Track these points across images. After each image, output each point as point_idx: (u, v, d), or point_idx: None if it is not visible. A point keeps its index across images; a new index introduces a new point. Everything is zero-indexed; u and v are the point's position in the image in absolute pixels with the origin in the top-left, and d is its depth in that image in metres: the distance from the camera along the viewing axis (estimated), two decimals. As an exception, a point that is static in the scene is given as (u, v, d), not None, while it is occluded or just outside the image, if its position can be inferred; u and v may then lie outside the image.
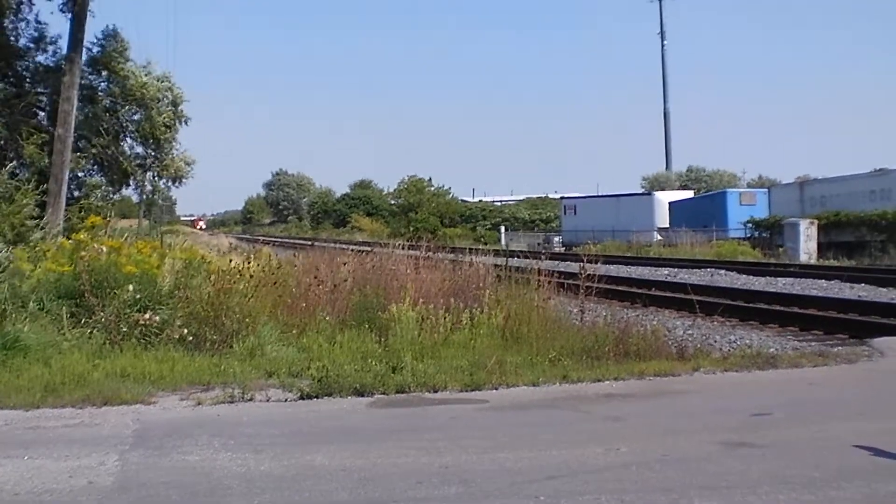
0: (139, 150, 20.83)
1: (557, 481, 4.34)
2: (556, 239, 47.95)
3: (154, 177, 21.31)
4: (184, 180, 21.47)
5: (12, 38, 18.93)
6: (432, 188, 64.21)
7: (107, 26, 20.64)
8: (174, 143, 20.59)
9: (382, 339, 8.27)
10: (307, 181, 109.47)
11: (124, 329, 7.82)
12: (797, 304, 13.20)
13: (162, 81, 20.20)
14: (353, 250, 13.30)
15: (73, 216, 16.79)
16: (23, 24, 19.23)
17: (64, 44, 17.30)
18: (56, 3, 17.96)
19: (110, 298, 8.08)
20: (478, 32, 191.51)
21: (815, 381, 7.14)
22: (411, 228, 49.86)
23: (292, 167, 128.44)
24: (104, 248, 8.72)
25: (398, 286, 9.30)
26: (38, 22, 19.36)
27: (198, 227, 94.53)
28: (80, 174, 20.11)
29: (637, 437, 5.24)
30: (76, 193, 19.44)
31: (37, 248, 9.98)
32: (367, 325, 8.70)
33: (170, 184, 21.81)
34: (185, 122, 20.60)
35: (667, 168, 69.38)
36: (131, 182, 21.19)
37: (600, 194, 58.03)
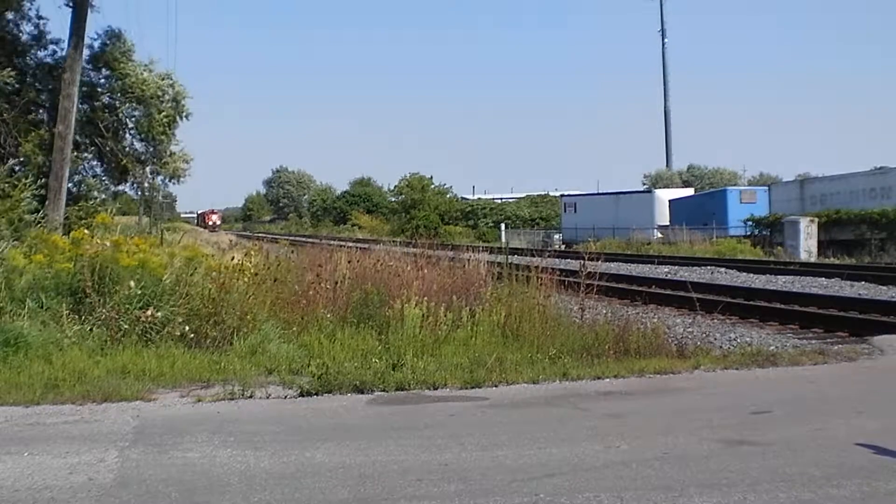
0: (139, 146, 20.79)
1: (557, 479, 4.35)
2: (557, 236, 47.91)
3: (152, 174, 21.24)
4: (182, 179, 21.40)
5: (14, 35, 18.92)
6: (434, 186, 64.15)
7: (110, 27, 20.61)
8: (173, 141, 20.52)
9: (382, 337, 8.27)
10: (307, 178, 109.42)
11: (125, 326, 7.81)
12: (797, 301, 13.19)
13: (164, 79, 20.14)
14: (350, 248, 13.30)
15: (73, 215, 16.79)
16: (24, 21, 19.21)
17: (65, 42, 17.29)
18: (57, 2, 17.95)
19: (111, 295, 8.08)
20: (477, 30, 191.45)
21: (815, 378, 7.14)
22: (412, 226, 49.83)
23: (293, 164, 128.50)
24: (108, 244, 8.70)
25: (399, 284, 9.30)
26: (38, 17, 19.34)
27: (209, 222, 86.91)
28: (79, 171, 20.09)
29: (637, 435, 5.24)
30: (74, 190, 19.42)
31: (35, 243, 9.96)
32: (367, 323, 8.70)
33: (168, 181, 21.71)
34: (186, 118, 20.54)
35: (667, 166, 69.35)
36: (129, 179, 21.14)
37: (600, 192, 57.98)
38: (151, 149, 20.40)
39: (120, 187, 21.42)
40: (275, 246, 16.55)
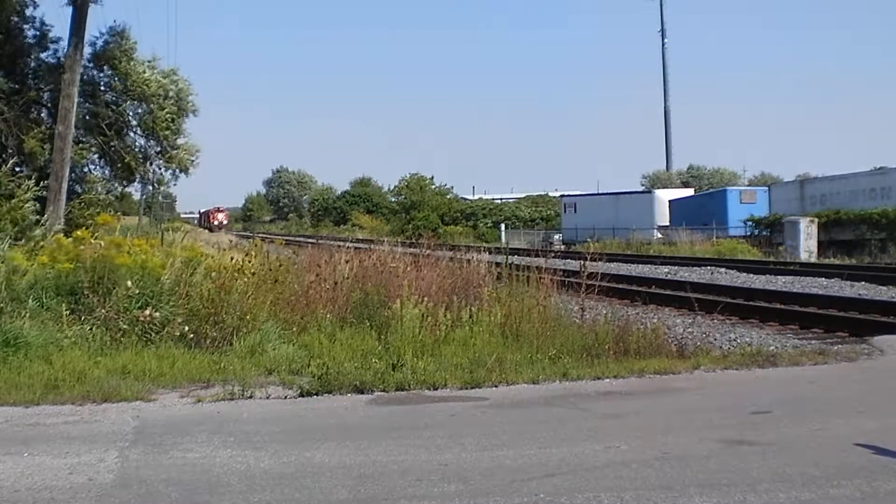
0: (142, 142, 20.80)
1: (557, 479, 4.35)
2: (557, 237, 47.91)
3: (159, 168, 21.20)
4: (189, 170, 21.33)
5: (16, 36, 18.95)
6: (434, 187, 64.14)
7: (114, 21, 20.71)
8: (179, 134, 20.51)
9: (382, 337, 8.27)
10: (308, 178, 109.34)
11: (124, 326, 7.82)
12: (797, 302, 13.19)
13: (167, 77, 20.15)
14: (350, 248, 13.29)
15: (75, 210, 16.80)
16: (27, 23, 19.25)
17: (65, 42, 17.32)
18: (58, 1, 17.94)
19: (110, 295, 8.08)
20: (477, 30, 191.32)
21: (815, 379, 7.14)
22: (412, 226, 49.84)
23: (293, 164, 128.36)
24: (110, 244, 8.70)
25: (399, 284, 9.30)
26: (42, 25, 19.41)
27: (215, 221, 79.14)
28: (82, 169, 20.12)
29: (637, 435, 5.24)
30: (78, 188, 19.44)
31: (37, 244, 9.97)
32: (367, 323, 8.70)
33: (177, 173, 21.60)
34: (193, 114, 20.56)
35: (667, 166, 69.36)
36: (135, 177, 21.15)
37: (600, 192, 57.97)
38: (156, 145, 20.42)
39: (124, 186, 21.45)
40: (273, 246, 16.54)
